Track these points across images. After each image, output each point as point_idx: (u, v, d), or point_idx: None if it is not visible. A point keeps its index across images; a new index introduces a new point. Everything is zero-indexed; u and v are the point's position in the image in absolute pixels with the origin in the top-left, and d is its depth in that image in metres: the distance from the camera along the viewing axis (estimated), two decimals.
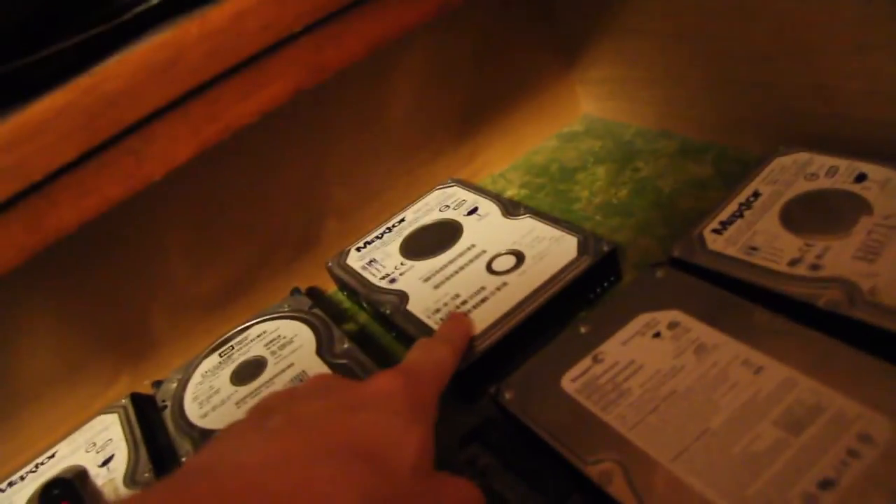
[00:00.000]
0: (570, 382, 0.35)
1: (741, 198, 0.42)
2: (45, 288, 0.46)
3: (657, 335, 0.36)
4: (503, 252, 0.45)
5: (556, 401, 0.35)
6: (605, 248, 0.42)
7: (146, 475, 0.42)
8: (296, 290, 0.52)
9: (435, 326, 0.42)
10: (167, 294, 0.51)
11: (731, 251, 0.39)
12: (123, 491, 0.42)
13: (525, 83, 0.61)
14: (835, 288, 0.34)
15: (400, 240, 0.51)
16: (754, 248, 0.38)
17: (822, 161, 0.42)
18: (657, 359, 0.35)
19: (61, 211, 0.30)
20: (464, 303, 0.42)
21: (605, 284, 0.44)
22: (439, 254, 0.48)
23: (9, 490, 0.46)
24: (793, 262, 0.36)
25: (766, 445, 0.29)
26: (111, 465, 0.44)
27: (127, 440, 0.46)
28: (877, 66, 0.40)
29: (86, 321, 0.49)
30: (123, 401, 0.49)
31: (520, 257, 0.44)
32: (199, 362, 0.49)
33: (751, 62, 0.47)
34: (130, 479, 0.42)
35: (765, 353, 0.33)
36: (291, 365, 0.44)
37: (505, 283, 0.43)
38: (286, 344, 0.47)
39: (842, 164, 0.41)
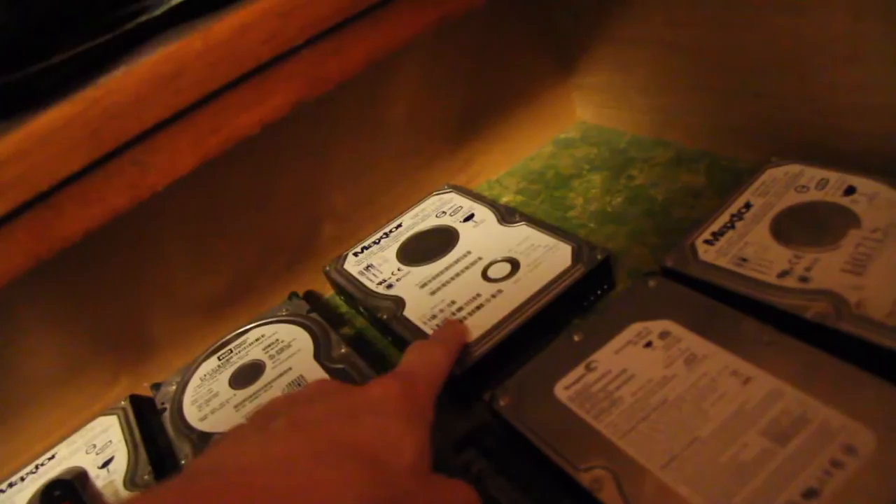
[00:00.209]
0: (563, 390, 0.36)
1: (733, 209, 0.42)
2: (46, 291, 0.47)
3: (649, 344, 0.37)
4: (499, 259, 0.46)
5: (549, 408, 0.35)
6: (599, 257, 0.43)
7: (146, 477, 0.43)
8: (293, 295, 0.52)
9: (431, 332, 0.42)
10: (166, 297, 0.52)
11: (723, 262, 0.39)
12: (124, 493, 0.43)
13: (522, 89, 0.62)
14: (822, 300, 0.35)
15: (397, 245, 0.52)
16: (745, 260, 0.39)
17: (812, 173, 0.42)
18: (648, 368, 0.35)
19: (67, 220, 0.31)
20: (459, 309, 0.43)
21: (599, 292, 0.44)
22: (436, 260, 0.48)
23: (9, 491, 0.46)
24: (782, 274, 0.37)
25: (753, 455, 0.30)
26: (111, 466, 0.45)
27: (126, 442, 0.46)
28: (867, 80, 0.41)
29: (86, 324, 0.49)
30: (123, 403, 0.50)
31: (515, 265, 0.45)
32: (198, 365, 0.49)
33: (745, 73, 0.47)
34: (130, 480, 0.43)
35: (753, 363, 0.33)
36: (290, 369, 0.45)
37: (500, 291, 0.43)
38: (284, 348, 0.47)
39: (832, 176, 0.41)
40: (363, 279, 0.50)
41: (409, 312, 0.45)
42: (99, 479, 0.44)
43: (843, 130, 0.44)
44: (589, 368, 0.37)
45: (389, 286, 0.48)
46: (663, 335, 0.37)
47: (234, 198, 0.51)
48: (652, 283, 0.40)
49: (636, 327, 0.38)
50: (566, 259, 0.44)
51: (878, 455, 0.28)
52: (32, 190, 0.29)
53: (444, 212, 0.53)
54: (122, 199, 0.31)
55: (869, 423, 0.29)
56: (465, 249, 0.48)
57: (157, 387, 0.50)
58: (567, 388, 0.36)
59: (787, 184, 0.43)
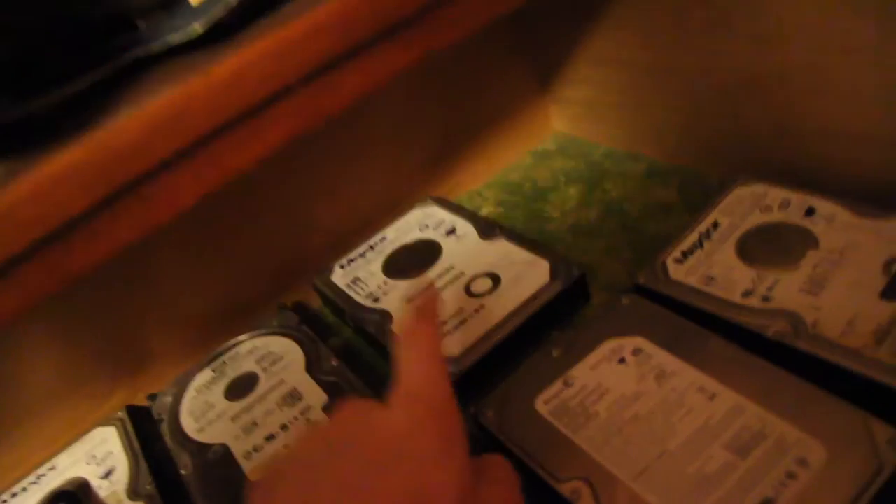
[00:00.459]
0: (543, 404, 0.39)
1: (702, 227, 0.45)
2: (44, 307, 0.48)
3: (622, 361, 0.39)
4: (480, 274, 0.48)
5: (530, 422, 0.38)
6: (576, 273, 0.46)
7: (148, 487, 0.44)
8: (283, 307, 0.54)
9: None
10: (160, 310, 0.53)
11: (692, 281, 0.42)
12: (127, 503, 0.44)
13: (501, 101, 0.64)
14: (782, 319, 0.37)
15: (382, 258, 0.54)
16: (712, 279, 0.42)
17: (776, 193, 0.45)
18: (622, 384, 0.38)
19: (76, 256, 0.32)
20: (444, 323, 0.45)
21: (576, 306, 0.47)
22: (420, 274, 0.51)
23: (12, 501, 0.48)
24: (746, 294, 0.40)
25: (716, 467, 0.32)
26: (112, 477, 0.46)
27: (127, 453, 0.47)
28: (829, 109, 0.43)
29: (83, 337, 0.51)
30: (120, 413, 0.51)
31: (496, 280, 0.47)
32: (193, 377, 0.51)
33: (714, 95, 0.50)
34: (133, 491, 0.45)
35: (718, 380, 0.36)
36: (282, 381, 0.47)
37: (482, 306, 0.46)
38: (277, 360, 0.49)
39: (794, 197, 0.44)
40: (350, 292, 0.52)
41: (397, 326, 0.47)
42: (101, 489, 0.46)
43: (804, 153, 0.46)
44: (567, 384, 0.39)
45: (376, 299, 0.50)
46: (636, 352, 0.39)
47: (225, 212, 0.52)
48: (625, 300, 0.43)
49: (610, 344, 0.40)
50: (544, 275, 0.46)
51: (829, 467, 0.31)
52: (46, 229, 0.30)
53: (426, 225, 0.56)
54: (129, 233, 0.33)
55: (821, 438, 0.32)
56: (448, 264, 0.51)
57: (153, 397, 0.51)
58: (547, 402, 0.39)
59: (753, 203, 0.45)
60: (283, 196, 0.55)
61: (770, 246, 0.42)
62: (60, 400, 0.52)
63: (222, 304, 0.55)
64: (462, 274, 0.49)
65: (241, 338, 0.53)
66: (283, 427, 0.44)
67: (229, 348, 0.52)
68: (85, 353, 0.52)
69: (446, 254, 0.52)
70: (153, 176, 0.32)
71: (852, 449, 0.31)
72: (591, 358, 0.40)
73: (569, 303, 0.46)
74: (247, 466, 0.43)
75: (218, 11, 0.33)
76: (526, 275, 0.47)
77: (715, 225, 0.45)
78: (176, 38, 0.35)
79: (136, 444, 0.48)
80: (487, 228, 0.52)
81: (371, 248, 0.55)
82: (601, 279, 0.49)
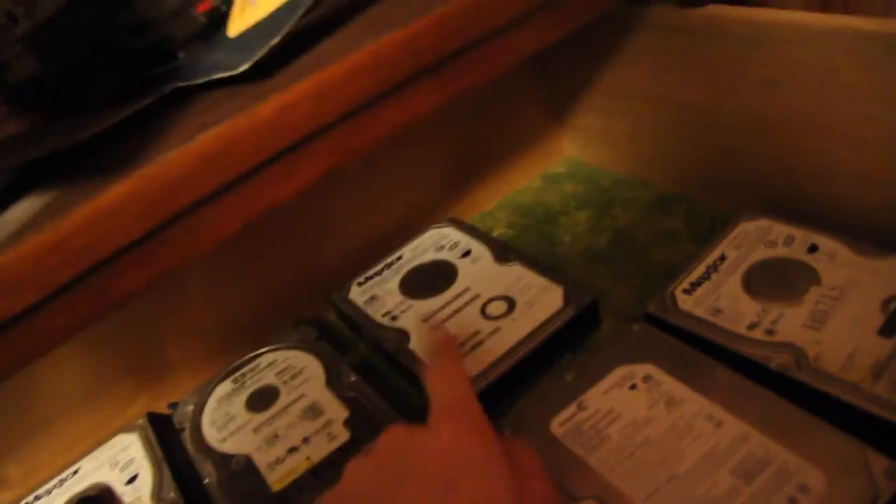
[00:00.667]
0: (558, 426, 0.41)
1: (709, 260, 0.47)
2: None
3: (633, 387, 0.41)
4: (496, 297, 0.50)
5: (546, 442, 0.40)
6: (587, 299, 0.48)
7: (171, 494, 0.46)
8: (301, 322, 0.56)
9: None
10: (180, 321, 0.55)
11: (699, 312, 0.44)
12: None
13: (514, 126, 0.66)
14: (785, 352, 0.40)
15: (399, 277, 0.56)
16: (719, 311, 0.44)
17: (780, 229, 0.47)
18: (633, 409, 0.40)
19: (124, 282, 0.34)
20: (461, 344, 0.47)
21: (587, 330, 0.49)
22: (437, 295, 0.53)
23: (37, 503, 0.50)
24: (751, 326, 0.42)
25: (722, 491, 0.34)
26: (136, 483, 0.48)
27: (150, 459, 0.49)
28: (833, 149, 0.46)
29: (107, 346, 0.53)
30: (141, 421, 0.53)
31: (511, 303, 0.49)
32: (213, 387, 0.53)
33: (721, 131, 0.52)
34: (157, 497, 0.46)
35: (724, 408, 0.38)
36: (303, 395, 0.49)
37: (498, 329, 0.48)
38: (296, 374, 0.51)
39: (798, 233, 0.46)
40: (368, 310, 0.54)
41: (414, 345, 0.49)
42: (125, 495, 0.47)
43: (809, 192, 0.49)
44: (581, 407, 0.41)
45: (394, 318, 0.52)
46: (646, 378, 0.41)
47: (247, 232, 0.54)
48: (636, 328, 0.45)
49: (622, 370, 0.43)
50: (558, 300, 0.48)
51: (828, 494, 0.33)
52: (96, 258, 0.32)
53: (442, 246, 0.58)
54: (174, 261, 0.35)
55: (821, 466, 0.34)
56: (463, 286, 0.53)
57: (174, 406, 0.53)
58: (561, 424, 0.41)
59: (758, 238, 0.47)
60: (302, 215, 0.57)
61: (775, 280, 0.44)
62: (83, 406, 0.54)
63: (241, 318, 0.57)
64: (478, 296, 0.51)
65: (261, 351, 0.54)
66: (305, 440, 0.46)
67: (249, 361, 0.54)
68: (107, 361, 0.54)
69: (462, 276, 0.54)
70: (199, 207, 0.34)
71: (850, 477, 0.33)
72: (604, 383, 0.42)
73: (581, 327, 0.48)
74: (270, 478, 0.44)
75: (261, 51, 0.35)
76: (540, 299, 0.49)
77: (722, 258, 0.47)
78: (220, 73, 0.36)
79: (159, 451, 0.49)
80: (502, 252, 0.54)
81: (388, 266, 0.57)
82: (611, 305, 0.51)
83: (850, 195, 0.47)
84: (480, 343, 0.47)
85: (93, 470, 0.50)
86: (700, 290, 0.45)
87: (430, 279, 0.54)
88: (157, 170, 0.33)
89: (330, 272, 0.60)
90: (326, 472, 0.44)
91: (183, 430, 0.51)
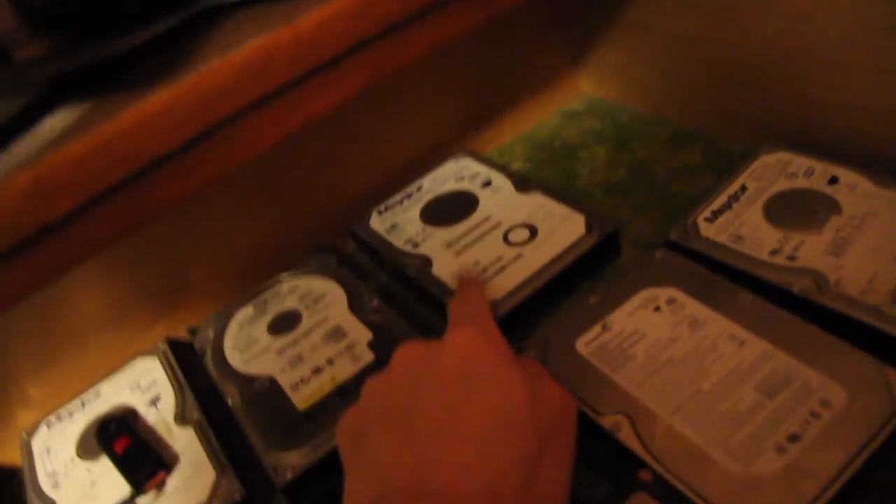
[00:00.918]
0: (584, 346, 0.42)
1: (730, 190, 0.48)
2: None
3: (657, 309, 0.42)
4: (518, 225, 0.51)
5: (572, 361, 0.41)
6: (610, 228, 0.48)
7: (195, 414, 0.47)
8: (321, 249, 0.56)
9: None
10: (201, 246, 0.55)
11: (721, 239, 0.45)
12: (175, 428, 0.47)
13: (532, 62, 0.66)
14: (807, 277, 0.41)
15: (419, 206, 0.56)
16: (740, 238, 0.44)
17: (800, 162, 0.48)
18: (657, 329, 0.41)
19: (162, 191, 0.34)
20: (484, 270, 0.48)
21: (608, 259, 0.50)
22: (458, 222, 0.53)
23: (58, 425, 0.50)
24: (773, 252, 0.43)
25: (747, 406, 0.36)
26: (159, 404, 0.49)
27: (171, 381, 0.50)
28: (856, 83, 0.46)
29: (129, 270, 0.53)
30: (161, 345, 0.53)
31: (533, 231, 0.50)
32: (234, 312, 0.53)
33: (743, 66, 0.52)
34: (181, 417, 0.47)
35: (747, 329, 0.39)
36: (326, 319, 0.50)
37: (521, 255, 0.48)
38: (319, 299, 0.52)
39: (818, 166, 0.47)
40: (389, 237, 0.54)
41: (437, 271, 0.49)
42: (149, 415, 0.48)
43: (830, 126, 0.49)
44: (605, 328, 0.42)
45: (415, 245, 0.52)
46: (670, 301, 0.42)
47: (268, 157, 0.54)
48: (658, 254, 0.46)
49: (646, 293, 0.43)
50: (580, 228, 0.49)
51: (849, 409, 0.34)
52: (136, 165, 0.32)
53: (462, 177, 0.58)
54: (212, 171, 0.35)
55: (842, 383, 0.35)
56: (485, 214, 0.53)
57: (194, 331, 0.53)
58: (587, 344, 0.42)
59: (779, 170, 0.48)
60: (321, 146, 0.57)
61: (796, 210, 0.45)
62: (103, 330, 0.54)
63: (260, 246, 0.58)
64: (499, 224, 0.51)
65: (282, 276, 0.55)
66: (330, 361, 0.47)
67: (270, 286, 0.54)
68: (128, 285, 0.54)
69: (483, 204, 0.54)
70: (238, 118, 0.35)
71: (871, 394, 0.34)
72: (628, 305, 0.43)
73: (602, 256, 0.49)
74: (295, 397, 0.45)
75: None
76: (562, 227, 0.49)
77: (743, 188, 0.48)
78: None
79: (180, 374, 0.50)
80: (522, 183, 0.55)
81: (408, 196, 0.58)
82: (630, 235, 0.52)
83: (871, 129, 0.47)
84: (503, 269, 0.48)
85: (114, 392, 0.51)
86: (721, 219, 0.46)
87: (451, 208, 0.55)
88: (197, 79, 0.33)
89: (348, 204, 0.60)
90: (352, 391, 0.44)
91: (204, 353, 0.51)
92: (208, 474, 0.43)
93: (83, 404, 0.51)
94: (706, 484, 0.33)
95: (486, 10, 0.39)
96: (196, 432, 0.46)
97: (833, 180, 0.46)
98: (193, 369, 0.51)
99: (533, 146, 0.65)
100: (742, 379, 0.37)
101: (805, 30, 0.46)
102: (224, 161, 0.35)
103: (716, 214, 0.46)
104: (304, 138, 0.55)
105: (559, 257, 0.47)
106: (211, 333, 0.53)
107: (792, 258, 0.42)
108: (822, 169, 0.47)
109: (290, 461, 0.41)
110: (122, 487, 0.43)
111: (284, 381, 0.47)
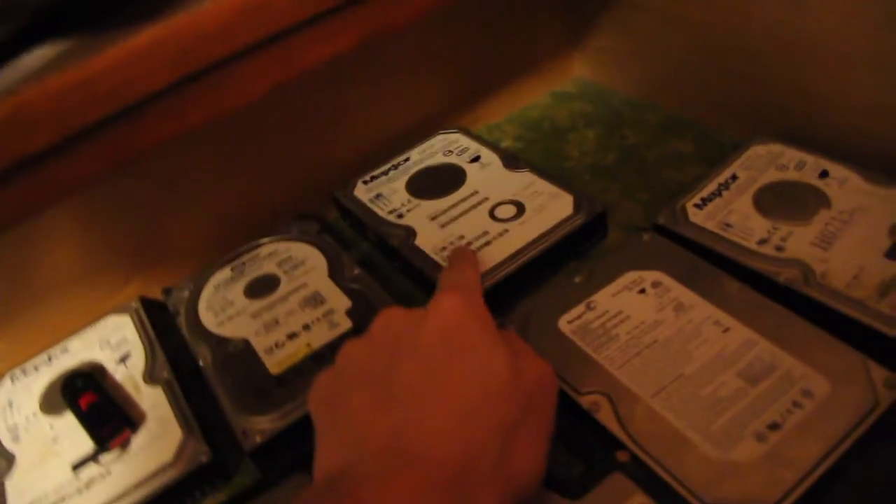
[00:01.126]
0: (566, 324, 0.41)
1: (721, 178, 0.48)
2: None
3: (642, 291, 0.42)
4: (505, 201, 0.50)
5: (553, 339, 0.40)
6: (598, 208, 0.48)
7: (164, 374, 0.46)
8: (303, 216, 0.55)
9: (443, 262, 0.46)
10: (180, 205, 0.54)
11: (710, 225, 0.45)
12: (144, 386, 0.45)
13: (525, 42, 0.65)
14: (793, 268, 0.40)
15: (406, 178, 0.55)
16: (729, 225, 0.44)
17: (792, 154, 0.48)
18: (642, 312, 0.41)
19: (145, 133, 0.33)
20: (469, 244, 0.47)
21: (594, 240, 0.49)
22: (444, 196, 0.52)
23: (23, 379, 0.48)
24: (761, 242, 0.43)
25: (728, 392, 0.35)
26: (128, 362, 0.47)
27: (142, 340, 0.48)
28: (856, 78, 0.46)
29: (103, 224, 0.51)
30: (134, 303, 0.52)
31: (520, 208, 0.49)
32: (211, 274, 0.52)
33: (741, 55, 0.52)
34: (149, 376, 0.46)
35: (732, 315, 0.39)
36: (305, 284, 0.49)
37: (506, 230, 0.48)
38: (298, 265, 0.50)
39: (809, 159, 0.47)
40: (374, 207, 0.53)
41: (421, 242, 0.48)
42: (117, 373, 0.47)
43: (825, 121, 0.49)
44: (589, 307, 0.42)
45: (400, 216, 0.51)
46: (655, 284, 0.42)
47: (254, 119, 0.53)
48: (646, 237, 0.45)
49: (631, 275, 0.43)
50: (568, 207, 0.48)
51: (831, 400, 0.34)
52: (121, 103, 0.31)
53: (451, 151, 0.57)
54: (197, 117, 0.34)
55: (825, 374, 0.35)
56: (472, 189, 0.52)
57: (168, 291, 0.52)
58: (570, 322, 0.41)
59: (770, 161, 0.48)
60: (309, 109, 0.56)
61: (785, 201, 0.45)
62: (75, 285, 0.52)
63: (241, 210, 0.56)
64: (486, 199, 0.51)
65: (261, 241, 0.53)
66: (306, 327, 0.46)
67: (249, 250, 0.53)
68: (103, 241, 0.52)
69: (471, 179, 0.53)
70: (229, 63, 0.33)
71: (852, 385, 0.34)
72: (613, 286, 0.42)
73: (588, 236, 0.48)
74: (268, 361, 0.44)
75: None
76: (550, 205, 0.49)
77: (733, 177, 0.48)
78: None
79: (152, 333, 0.49)
80: (512, 160, 0.54)
81: (395, 167, 0.57)
82: (617, 218, 0.51)
83: (865, 126, 0.47)
84: (488, 243, 0.47)
85: (83, 348, 0.50)
86: (711, 206, 0.46)
87: (438, 181, 0.54)
88: (189, 19, 0.31)
89: (333, 173, 0.59)
90: (327, 358, 0.43)
91: (178, 314, 0.50)
92: (175, 434, 0.42)
93: (49, 359, 0.50)
94: (683, 467, 0.33)
95: None
96: (164, 392, 0.45)
97: (824, 174, 0.46)
98: (166, 330, 0.50)
99: (523, 126, 0.64)
100: (725, 365, 0.37)
101: (804, 21, 0.46)
102: (212, 107, 0.34)
103: (705, 201, 0.46)
104: (293, 103, 0.54)
105: (545, 235, 0.46)
106: (186, 293, 0.51)
107: (779, 248, 0.42)
108: (814, 162, 0.47)
109: (260, 425, 0.40)
110: (85, 444, 0.42)
111: (258, 345, 0.45)
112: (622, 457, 0.35)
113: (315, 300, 0.47)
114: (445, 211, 0.51)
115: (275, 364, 0.44)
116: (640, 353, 0.38)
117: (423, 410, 0.30)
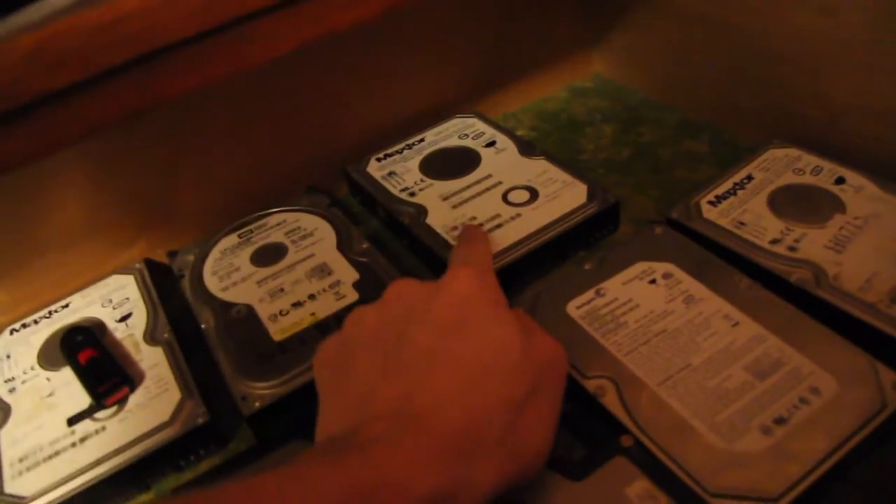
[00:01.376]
0: (575, 309, 0.41)
1: (736, 178, 0.47)
2: (78, 147, 0.48)
3: (653, 281, 0.42)
4: (518, 186, 0.50)
5: (561, 322, 0.40)
6: (611, 200, 0.48)
7: (166, 335, 0.45)
8: (313, 188, 0.55)
9: (453, 241, 0.46)
10: (190, 169, 0.54)
11: (723, 222, 0.44)
12: (144, 346, 0.45)
13: (545, 34, 0.65)
14: (806, 269, 0.40)
15: (420, 158, 0.55)
16: (742, 224, 0.44)
17: (809, 159, 0.48)
18: (651, 301, 0.40)
19: (168, 80, 0.33)
20: (480, 225, 0.47)
21: (605, 231, 0.49)
22: (458, 177, 0.52)
23: (23, 331, 0.48)
24: (774, 241, 0.42)
25: (735, 384, 0.35)
26: (129, 321, 0.47)
27: (144, 300, 0.48)
28: (877, 88, 0.46)
29: (112, 183, 0.51)
30: (138, 264, 0.52)
31: (534, 193, 0.49)
32: (218, 239, 0.52)
33: (762, 60, 0.52)
34: (150, 336, 0.46)
35: (742, 311, 0.39)
36: (312, 255, 0.48)
37: (519, 215, 0.47)
38: (307, 235, 0.50)
39: (826, 165, 0.47)
40: (386, 184, 0.53)
41: (432, 221, 0.48)
42: (117, 331, 0.47)
43: (844, 129, 0.49)
44: (598, 294, 0.41)
45: (412, 194, 0.51)
46: (666, 276, 0.42)
47: (270, 87, 0.53)
48: (658, 230, 0.45)
49: (642, 266, 0.43)
50: (581, 196, 0.48)
51: (838, 398, 0.34)
52: (148, 46, 0.31)
53: (466, 134, 0.57)
54: (221, 69, 0.33)
55: (833, 373, 0.35)
56: (486, 172, 0.52)
57: (173, 254, 0.52)
58: (579, 307, 0.41)
59: (786, 165, 0.48)
60: (326, 84, 0.56)
61: (800, 204, 0.45)
62: (80, 242, 0.52)
63: (250, 179, 0.56)
64: (500, 183, 0.50)
65: (270, 210, 0.53)
66: (312, 297, 0.45)
67: (257, 218, 0.53)
68: (113, 201, 0.52)
69: (485, 163, 0.53)
70: (258, 17, 0.33)
71: (860, 386, 0.34)
72: (623, 275, 0.42)
73: (600, 227, 0.48)
74: (272, 328, 0.44)
75: None
76: (563, 193, 0.48)
77: (749, 178, 0.47)
78: None
79: (154, 294, 0.49)
80: (527, 147, 0.54)
81: (409, 146, 0.56)
82: (628, 212, 0.51)
83: (885, 135, 0.47)
84: (500, 226, 0.47)
85: (84, 305, 0.50)
86: (725, 204, 0.46)
87: (452, 162, 0.54)
88: None
89: (344, 150, 0.59)
90: (332, 328, 0.43)
91: (182, 276, 0.50)
92: (173, 394, 0.41)
93: (50, 314, 0.50)
94: (687, 455, 0.33)
95: None
96: (165, 352, 0.44)
97: (840, 180, 0.46)
98: (169, 292, 0.50)
99: (539, 117, 0.64)
100: (733, 358, 0.36)
101: (828, 25, 0.46)
102: (238, 59, 0.33)
103: (719, 199, 0.46)
104: (310, 75, 0.54)
105: (557, 222, 0.46)
106: (191, 257, 0.51)
107: (792, 249, 0.42)
108: (830, 168, 0.47)
109: (260, 391, 0.40)
110: (82, 400, 0.42)
111: (262, 312, 0.45)
112: (626, 441, 0.34)
113: (322, 271, 0.47)
114: (458, 192, 0.50)
115: (278, 331, 0.44)
116: (649, 341, 0.38)
117: (432, 377, 0.29)
